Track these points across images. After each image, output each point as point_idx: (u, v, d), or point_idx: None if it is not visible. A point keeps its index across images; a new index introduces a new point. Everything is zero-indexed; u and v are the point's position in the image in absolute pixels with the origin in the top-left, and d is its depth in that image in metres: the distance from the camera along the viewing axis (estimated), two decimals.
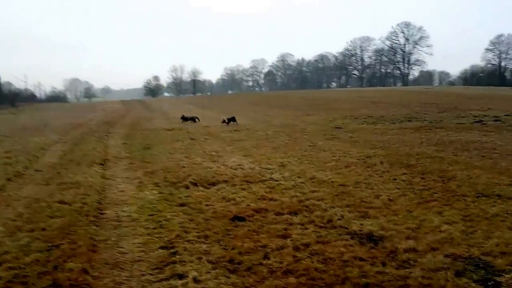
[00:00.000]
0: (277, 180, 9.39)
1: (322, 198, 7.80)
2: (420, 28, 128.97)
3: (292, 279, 4.53)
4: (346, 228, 6.16)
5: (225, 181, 9.39)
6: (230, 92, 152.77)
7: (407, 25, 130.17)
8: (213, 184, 9.19)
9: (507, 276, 4.56)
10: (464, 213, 6.76)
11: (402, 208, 7.12)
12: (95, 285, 4.62)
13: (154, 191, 8.69)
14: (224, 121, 22.62)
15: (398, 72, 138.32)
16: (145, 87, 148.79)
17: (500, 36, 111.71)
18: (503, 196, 7.62)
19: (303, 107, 36.66)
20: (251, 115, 30.89)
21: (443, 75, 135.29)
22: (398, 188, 8.44)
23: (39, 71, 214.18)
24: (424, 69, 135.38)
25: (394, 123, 21.19)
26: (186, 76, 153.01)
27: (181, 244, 5.68)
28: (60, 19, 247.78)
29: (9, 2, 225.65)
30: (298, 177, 9.65)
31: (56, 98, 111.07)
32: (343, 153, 12.71)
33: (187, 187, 8.94)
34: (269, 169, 10.66)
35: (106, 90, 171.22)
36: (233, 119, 22.75)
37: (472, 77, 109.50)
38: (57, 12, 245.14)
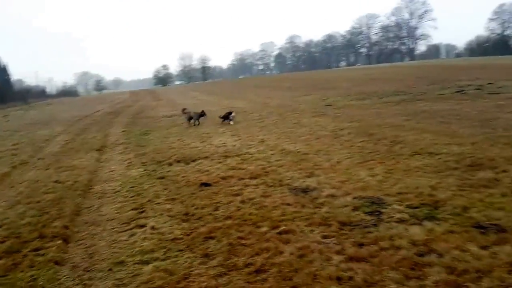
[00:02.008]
0: (251, 154, 10.39)
1: (282, 165, 8.82)
2: (424, 2, 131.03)
3: (229, 222, 5.69)
4: (290, 185, 7.25)
5: (206, 157, 10.42)
6: (240, 77, 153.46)
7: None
8: (194, 160, 10.23)
9: (389, 207, 5.68)
10: (390, 168, 7.76)
11: (343, 167, 8.14)
12: (73, 236, 5.84)
13: (140, 169, 9.81)
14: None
15: (404, 47, 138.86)
16: (154, 76, 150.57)
17: (502, 5, 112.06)
18: (433, 153, 8.53)
19: (303, 88, 37.32)
20: (252, 98, 31.77)
21: (450, 47, 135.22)
22: (350, 153, 9.42)
23: (51, 67, 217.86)
24: (431, 43, 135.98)
25: (382, 98, 21.79)
26: (195, 64, 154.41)
27: (149, 206, 6.84)
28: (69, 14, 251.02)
29: None
30: (271, 150, 10.63)
31: (67, 93, 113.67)
32: (321, 128, 13.60)
33: (170, 164, 10.02)
34: (248, 145, 11.65)
35: (117, 82, 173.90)
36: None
37: (479, 48, 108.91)
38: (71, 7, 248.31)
